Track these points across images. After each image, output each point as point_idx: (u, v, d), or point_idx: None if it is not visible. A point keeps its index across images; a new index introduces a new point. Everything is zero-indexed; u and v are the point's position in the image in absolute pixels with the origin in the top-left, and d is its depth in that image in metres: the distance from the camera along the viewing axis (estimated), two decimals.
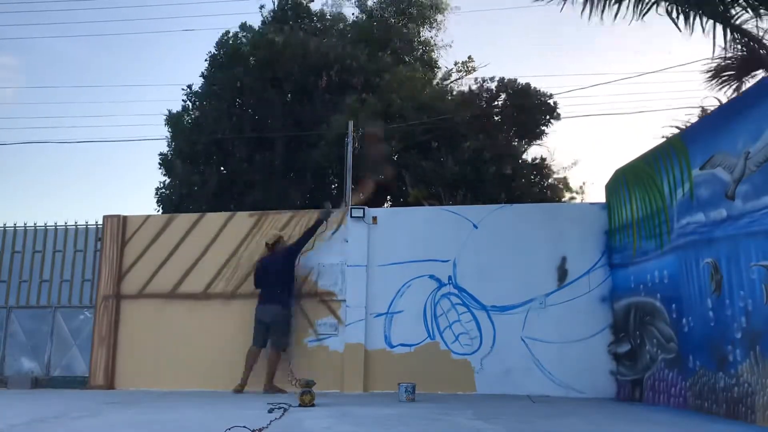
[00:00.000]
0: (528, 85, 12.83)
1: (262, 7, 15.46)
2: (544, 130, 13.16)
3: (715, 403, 5.26)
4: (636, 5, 7.23)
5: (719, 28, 7.19)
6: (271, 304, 7.68)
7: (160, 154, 14.75)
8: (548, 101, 12.75)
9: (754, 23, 7.23)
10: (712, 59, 7.63)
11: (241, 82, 13.32)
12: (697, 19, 7.15)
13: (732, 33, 7.25)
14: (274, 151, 13.04)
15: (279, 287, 7.74)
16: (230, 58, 13.84)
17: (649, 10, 7.23)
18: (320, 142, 12.53)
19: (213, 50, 14.38)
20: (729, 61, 7.70)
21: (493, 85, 13.08)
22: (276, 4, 15.38)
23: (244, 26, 14.64)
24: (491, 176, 11.78)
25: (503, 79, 13.01)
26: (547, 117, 12.92)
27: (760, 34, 7.21)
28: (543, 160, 13.31)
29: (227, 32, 14.41)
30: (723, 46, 7.37)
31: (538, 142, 13.41)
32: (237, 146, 13.21)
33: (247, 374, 7.59)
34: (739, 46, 7.32)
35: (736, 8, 7.10)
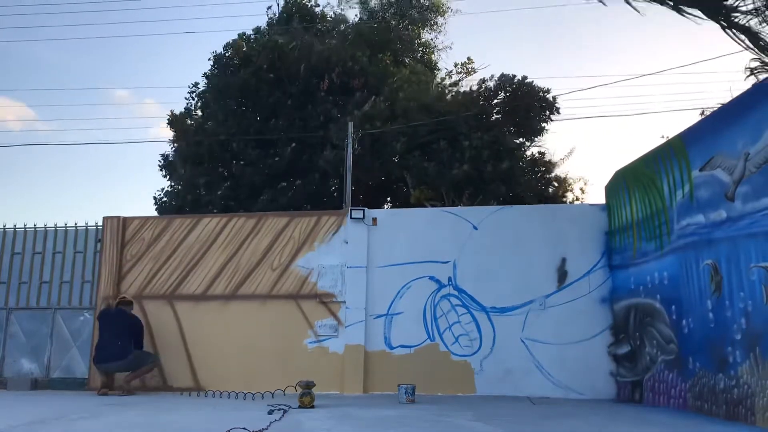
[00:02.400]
0: (525, 78, 12.81)
1: (269, 7, 15.46)
2: (544, 127, 13.17)
3: (715, 404, 5.26)
4: None
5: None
6: (110, 361, 7.51)
7: (162, 154, 14.75)
8: (547, 96, 12.74)
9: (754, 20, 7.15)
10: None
11: (246, 84, 13.31)
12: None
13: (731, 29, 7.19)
14: (278, 154, 13.03)
15: (119, 340, 7.58)
16: (235, 60, 13.84)
17: None
18: (325, 145, 12.55)
19: (218, 51, 14.36)
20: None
21: (491, 83, 13.08)
22: (280, 6, 15.39)
23: (257, 30, 14.67)
24: (492, 174, 11.78)
25: (502, 75, 13.01)
26: (547, 113, 12.91)
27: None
28: (542, 155, 13.32)
29: (243, 33, 14.43)
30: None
31: (538, 140, 13.42)
32: (242, 149, 13.19)
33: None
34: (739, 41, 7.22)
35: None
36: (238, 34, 14.40)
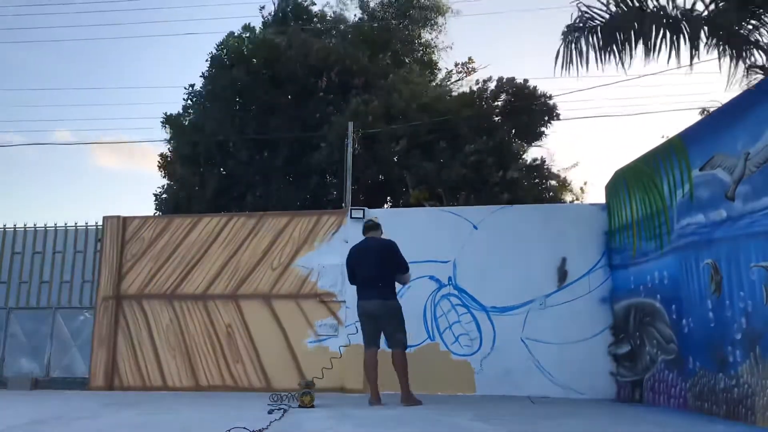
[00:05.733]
0: (526, 81, 12.84)
1: (262, 7, 15.47)
2: (544, 132, 13.18)
3: (715, 404, 5.25)
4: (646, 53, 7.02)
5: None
6: (372, 298, 6.35)
7: (160, 155, 14.78)
8: (548, 101, 12.76)
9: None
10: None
11: (243, 84, 13.32)
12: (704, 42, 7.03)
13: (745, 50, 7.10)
14: (275, 153, 13.05)
15: (380, 278, 6.40)
16: (232, 60, 13.85)
17: (659, 51, 7.02)
18: (321, 144, 12.55)
19: (214, 51, 14.39)
20: None
21: (492, 85, 13.11)
22: (276, 5, 15.40)
23: (246, 27, 14.66)
24: (492, 177, 11.79)
25: (502, 78, 13.03)
26: (547, 118, 12.93)
27: None
28: (543, 161, 13.33)
29: (232, 32, 14.43)
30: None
31: (538, 143, 13.45)
32: (238, 147, 13.21)
33: (374, 386, 6.32)
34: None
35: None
36: (228, 33, 14.42)
